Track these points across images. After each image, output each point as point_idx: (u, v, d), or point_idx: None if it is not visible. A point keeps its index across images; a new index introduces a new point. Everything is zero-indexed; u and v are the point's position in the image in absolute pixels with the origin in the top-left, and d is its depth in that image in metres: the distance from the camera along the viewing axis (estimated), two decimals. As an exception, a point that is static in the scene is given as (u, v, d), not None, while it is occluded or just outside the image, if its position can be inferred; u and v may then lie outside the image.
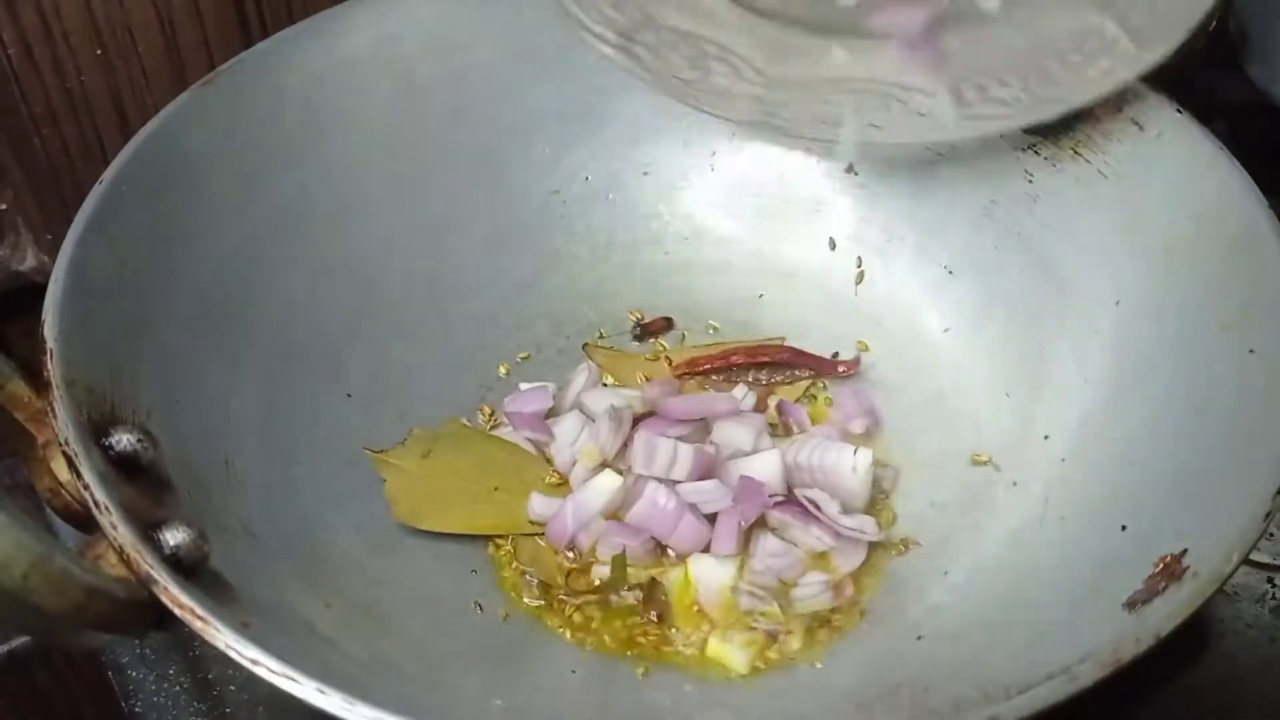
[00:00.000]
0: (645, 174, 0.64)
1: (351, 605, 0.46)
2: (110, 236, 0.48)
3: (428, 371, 0.58)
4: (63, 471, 0.40)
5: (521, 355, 0.60)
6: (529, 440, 0.56)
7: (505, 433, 0.57)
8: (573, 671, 0.48)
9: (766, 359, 0.59)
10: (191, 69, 0.61)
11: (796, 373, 0.59)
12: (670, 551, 0.52)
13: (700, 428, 0.56)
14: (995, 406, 0.56)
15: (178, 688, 0.53)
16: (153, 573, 0.36)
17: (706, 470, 0.53)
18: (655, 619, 0.50)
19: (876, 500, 0.54)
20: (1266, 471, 0.41)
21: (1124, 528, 0.45)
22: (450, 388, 0.58)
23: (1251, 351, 0.46)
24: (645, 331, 0.62)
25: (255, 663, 0.35)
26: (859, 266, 0.62)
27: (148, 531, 0.38)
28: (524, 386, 0.58)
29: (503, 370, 0.60)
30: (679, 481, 0.52)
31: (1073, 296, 0.55)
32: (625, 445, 0.54)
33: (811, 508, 0.51)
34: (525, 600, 0.51)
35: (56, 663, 0.72)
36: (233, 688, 0.53)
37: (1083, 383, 0.53)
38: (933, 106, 0.51)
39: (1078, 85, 0.51)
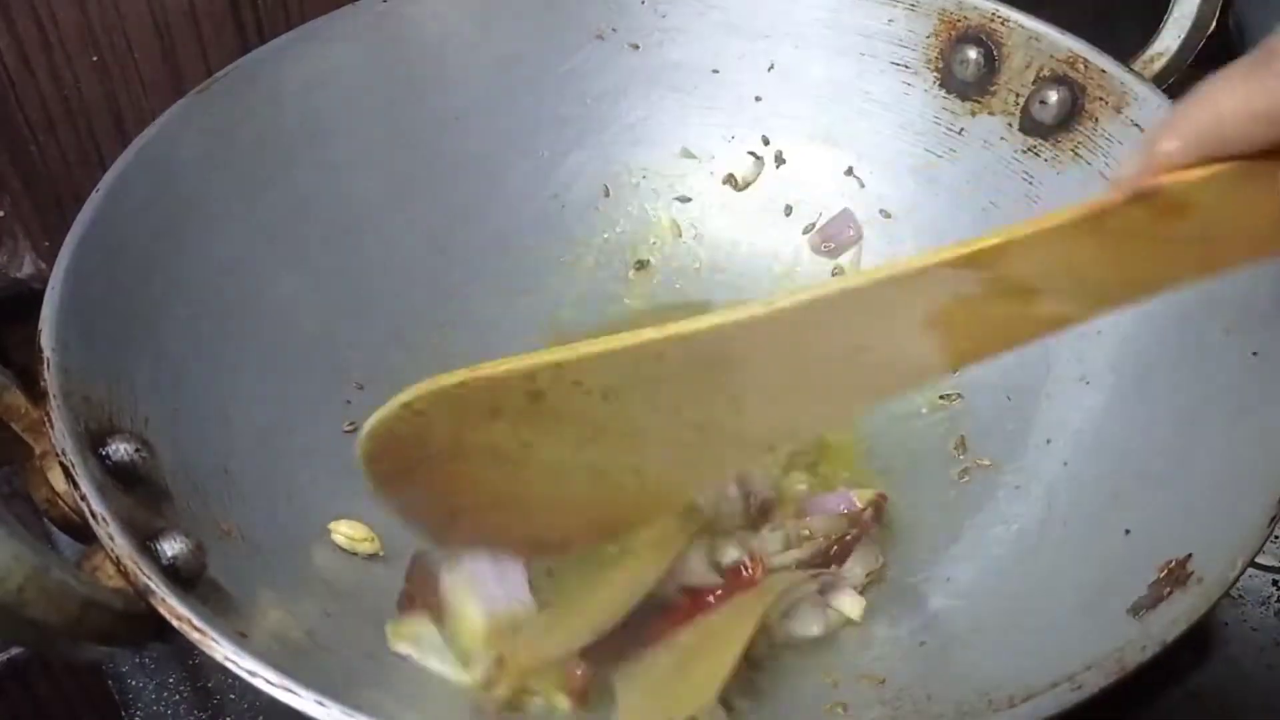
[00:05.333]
0: (644, 178, 0.64)
1: (351, 614, 0.46)
2: (107, 244, 0.47)
3: (427, 377, 0.57)
4: (60, 482, 0.40)
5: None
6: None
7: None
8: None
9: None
10: (188, 75, 0.61)
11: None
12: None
13: None
14: (996, 410, 0.56)
15: (177, 696, 0.53)
16: (150, 584, 0.36)
17: None
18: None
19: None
20: (1270, 475, 0.41)
21: (1127, 532, 0.45)
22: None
23: (1254, 354, 0.46)
24: None
25: (254, 674, 0.35)
26: (835, 271, 0.62)
27: (145, 542, 0.38)
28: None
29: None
30: None
31: (1074, 299, 0.55)
32: None
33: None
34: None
35: (56, 671, 0.72)
36: (233, 696, 0.53)
37: (1084, 386, 0.53)
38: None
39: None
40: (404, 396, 0.41)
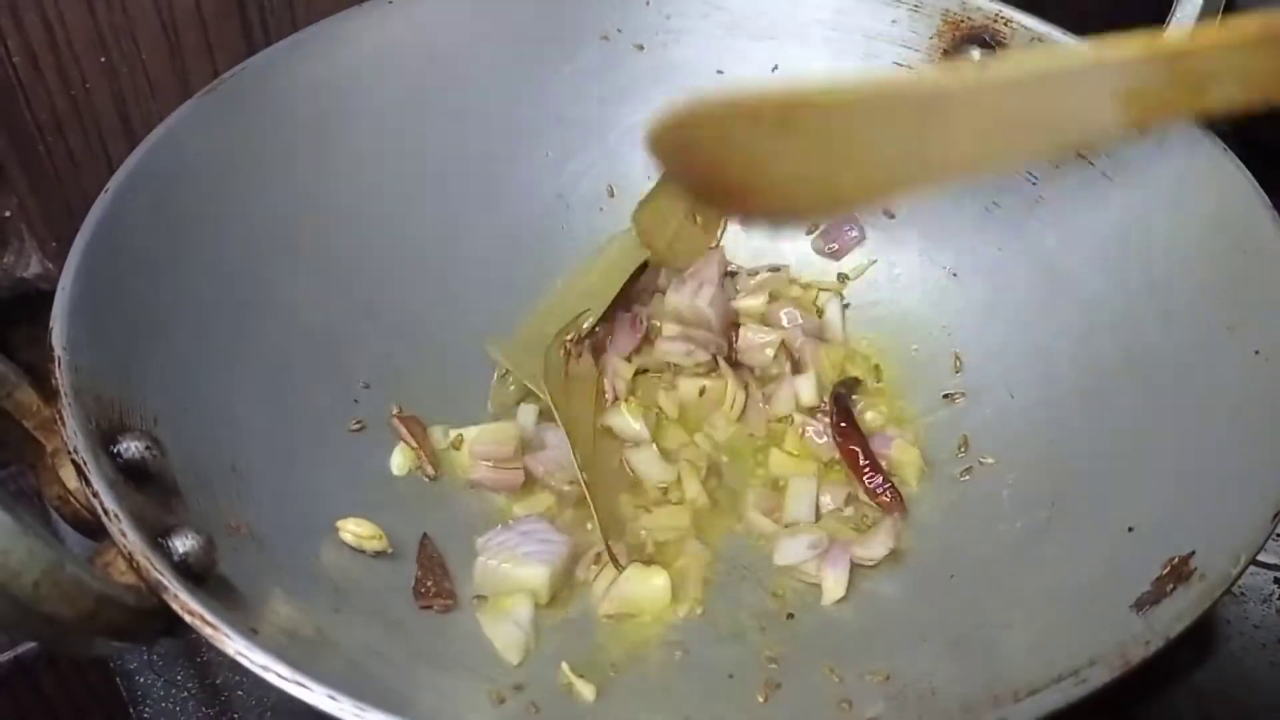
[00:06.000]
0: (649, 179, 0.64)
1: (360, 610, 0.46)
2: (116, 244, 0.48)
3: (433, 376, 0.58)
4: (71, 479, 0.41)
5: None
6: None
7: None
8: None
9: None
10: (195, 76, 0.61)
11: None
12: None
13: None
14: (1000, 408, 0.56)
15: (185, 693, 0.53)
16: (162, 579, 0.36)
17: None
18: None
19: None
20: (1273, 473, 0.41)
21: (1130, 529, 0.45)
22: (456, 392, 0.58)
23: (1257, 353, 0.46)
24: None
25: (266, 669, 0.35)
26: (839, 276, 0.63)
27: (156, 538, 0.38)
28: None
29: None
30: None
31: (1076, 299, 0.55)
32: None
33: None
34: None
35: (63, 668, 0.72)
36: (241, 693, 0.53)
37: (1088, 384, 0.53)
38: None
39: None
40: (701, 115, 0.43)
